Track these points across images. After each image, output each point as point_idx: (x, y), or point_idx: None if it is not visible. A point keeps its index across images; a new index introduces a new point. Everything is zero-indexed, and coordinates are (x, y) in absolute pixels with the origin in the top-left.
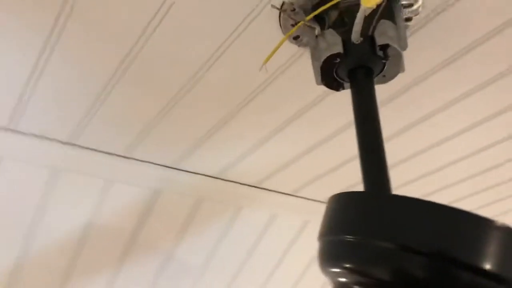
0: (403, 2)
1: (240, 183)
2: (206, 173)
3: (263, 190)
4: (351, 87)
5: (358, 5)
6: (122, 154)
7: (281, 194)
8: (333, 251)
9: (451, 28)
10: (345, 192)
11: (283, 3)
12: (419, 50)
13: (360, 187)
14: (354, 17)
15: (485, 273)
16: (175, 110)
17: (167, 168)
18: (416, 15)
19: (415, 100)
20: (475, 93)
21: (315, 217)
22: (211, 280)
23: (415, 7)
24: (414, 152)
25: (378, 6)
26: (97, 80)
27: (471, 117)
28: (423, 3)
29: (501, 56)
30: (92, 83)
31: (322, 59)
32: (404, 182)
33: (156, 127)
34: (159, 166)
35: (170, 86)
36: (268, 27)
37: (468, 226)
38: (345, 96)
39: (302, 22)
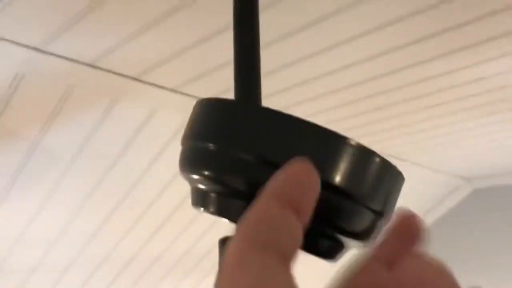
0: None
1: (117, 74)
2: (77, 59)
3: (143, 83)
4: None
5: None
6: None
7: (162, 89)
8: (193, 157)
9: None
10: (212, 98)
11: None
12: None
13: None
14: None
15: (338, 190)
16: None
17: (31, 50)
18: None
19: (299, 5)
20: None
21: None
22: (80, 173)
23: None
24: (288, 61)
25: None
26: None
27: (357, 27)
28: None
29: None
30: None
31: None
32: (275, 91)
33: None
34: (21, 46)
35: None
36: None
37: (327, 144)
38: None
39: None
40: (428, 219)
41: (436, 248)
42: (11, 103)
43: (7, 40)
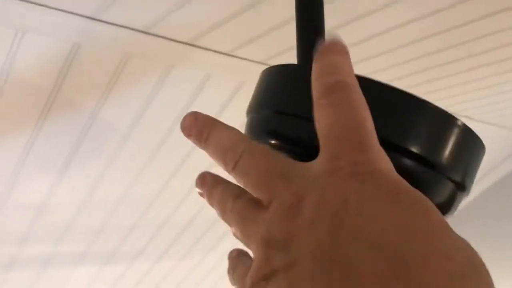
0: None
1: (172, 39)
2: (132, 27)
3: (197, 48)
4: None
5: None
6: (33, 0)
7: (216, 53)
8: (261, 126)
9: None
10: (276, 66)
11: None
12: None
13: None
14: None
15: (418, 157)
16: None
17: (86, 19)
18: None
19: None
20: None
21: (251, 78)
22: (140, 140)
23: None
24: (345, 20)
25: None
26: None
27: None
28: None
29: None
30: None
31: None
32: None
33: None
34: (76, 15)
35: None
36: None
37: (407, 108)
38: None
39: None
40: (494, 176)
41: (503, 205)
42: (69, 74)
43: (62, 10)
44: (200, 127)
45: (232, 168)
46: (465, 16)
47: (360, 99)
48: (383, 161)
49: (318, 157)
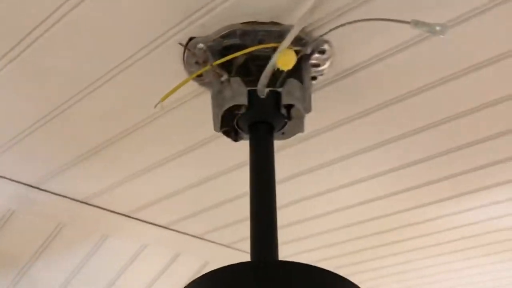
0: (312, 61)
1: (110, 211)
2: (72, 197)
3: (134, 220)
4: (251, 142)
5: (265, 54)
6: None
7: (153, 226)
8: None
9: (353, 91)
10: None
11: (190, 40)
12: (322, 107)
13: (233, 226)
14: (261, 66)
15: None
16: (50, 125)
17: (26, 186)
18: (321, 75)
19: (305, 152)
20: (354, 156)
21: (186, 250)
22: None
23: (322, 67)
24: (283, 204)
25: None
26: None
27: (355, 174)
28: (331, 64)
29: (394, 123)
30: None
31: (225, 108)
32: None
33: (24, 140)
34: (16, 183)
35: (51, 98)
36: (170, 59)
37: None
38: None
39: (209, 67)
40: None
41: None
42: (1, 236)
43: (2, 177)
44: None
45: None
46: (390, 207)
47: None
48: None
49: None
